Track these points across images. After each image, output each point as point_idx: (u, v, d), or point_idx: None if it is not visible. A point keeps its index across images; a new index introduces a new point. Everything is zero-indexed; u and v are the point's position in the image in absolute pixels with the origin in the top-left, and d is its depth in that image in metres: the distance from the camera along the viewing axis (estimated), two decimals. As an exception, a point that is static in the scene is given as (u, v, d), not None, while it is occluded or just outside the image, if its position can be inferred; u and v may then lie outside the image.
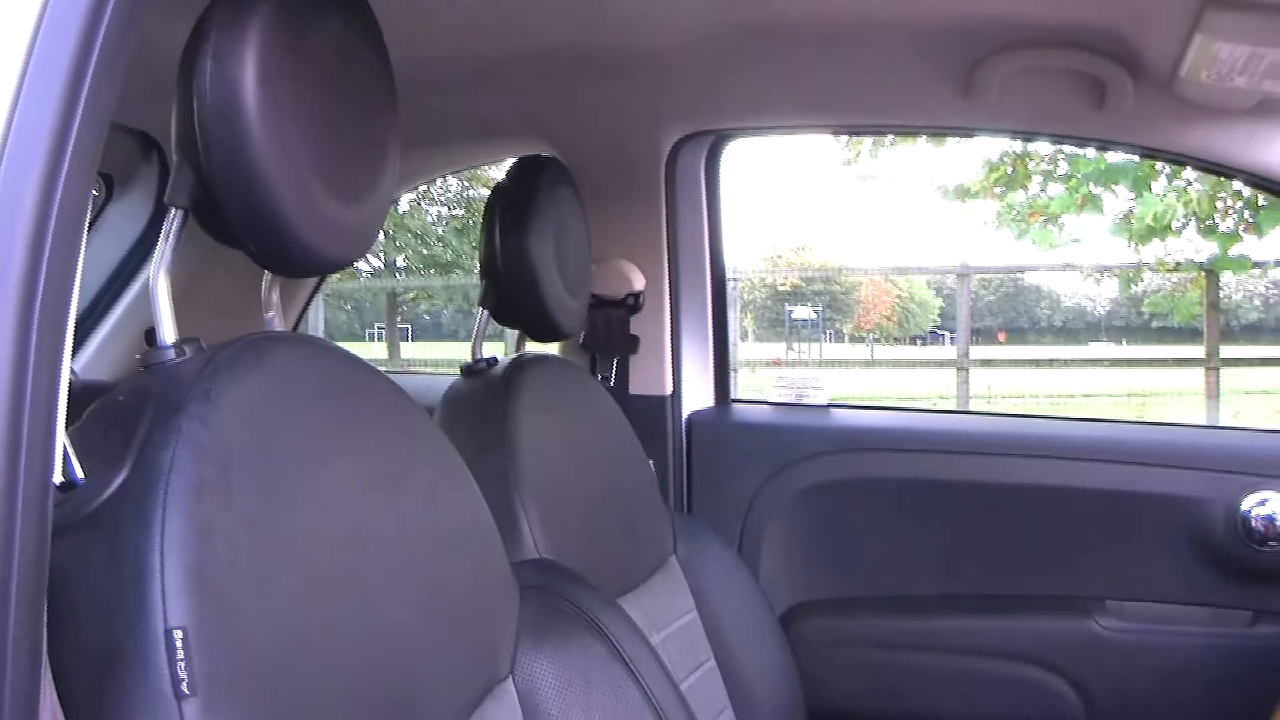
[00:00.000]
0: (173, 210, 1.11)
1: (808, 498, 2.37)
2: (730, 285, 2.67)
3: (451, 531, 1.26)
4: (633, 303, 2.38)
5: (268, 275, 1.27)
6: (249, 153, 1.06)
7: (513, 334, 2.06)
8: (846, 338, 23.09)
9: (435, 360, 13.78)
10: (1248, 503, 2.16)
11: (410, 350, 18.02)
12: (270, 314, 1.29)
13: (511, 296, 1.90)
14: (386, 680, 1.08)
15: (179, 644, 0.89)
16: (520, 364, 1.90)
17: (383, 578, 1.11)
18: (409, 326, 19.92)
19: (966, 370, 11.24)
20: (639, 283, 2.38)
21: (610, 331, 2.39)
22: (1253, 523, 2.15)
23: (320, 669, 1.00)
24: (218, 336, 1.10)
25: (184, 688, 0.88)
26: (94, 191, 2.47)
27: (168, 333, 1.08)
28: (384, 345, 16.86)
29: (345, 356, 1.21)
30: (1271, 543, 2.15)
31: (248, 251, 1.13)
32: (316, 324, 11.40)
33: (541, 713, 1.31)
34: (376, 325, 19.20)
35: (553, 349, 2.40)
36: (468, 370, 1.94)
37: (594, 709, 1.35)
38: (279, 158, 1.08)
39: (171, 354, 1.06)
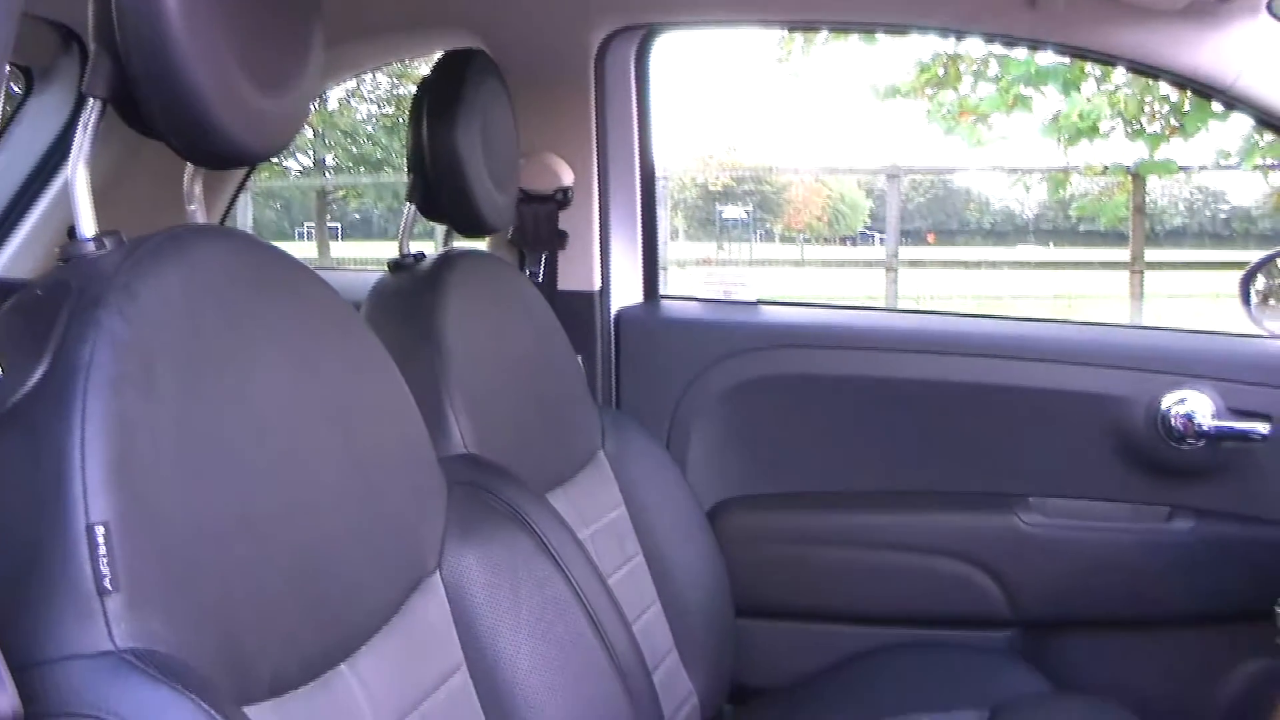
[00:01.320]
0: (91, 101, 1.08)
1: (736, 394, 2.38)
2: (661, 184, 2.66)
3: (378, 426, 1.25)
4: (561, 198, 2.37)
5: (190, 168, 1.25)
6: (168, 40, 1.04)
7: (443, 232, 2.04)
8: (777, 238, 23.09)
9: (365, 259, 13.67)
10: (1168, 401, 2.19)
11: (340, 249, 17.85)
12: (193, 207, 1.27)
13: (439, 191, 1.88)
14: (311, 574, 1.08)
15: (100, 540, 0.88)
16: (448, 259, 1.89)
17: (307, 472, 1.11)
18: (339, 225, 19.72)
19: (896, 271, 11.29)
20: (567, 178, 2.37)
21: (538, 227, 2.37)
22: (1172, 421, 2.19)
23: (244, 563, 1.00)
24: (141, 233, 1.08)
25: (106, 584, 0.87)
26: (14, 88, 2.42)
27: (87, 226, 1.06)
28: (314, 244, 16.71)
29: (269, 250, 1.19)
30: (1189, 440, 2.18)
31: (168, 143, 1.11)
32: (245, 222, 11.27)
33: (469, 605, 1.32)
34: (306, 224, 18.98)
35: (481, 245, 2.39)
36: (395, 266, 1.92)
37: (521, 602, 1.36)
38: (199, 45, 1.06)
39: (91, 247, 1.04)
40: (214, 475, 0.99)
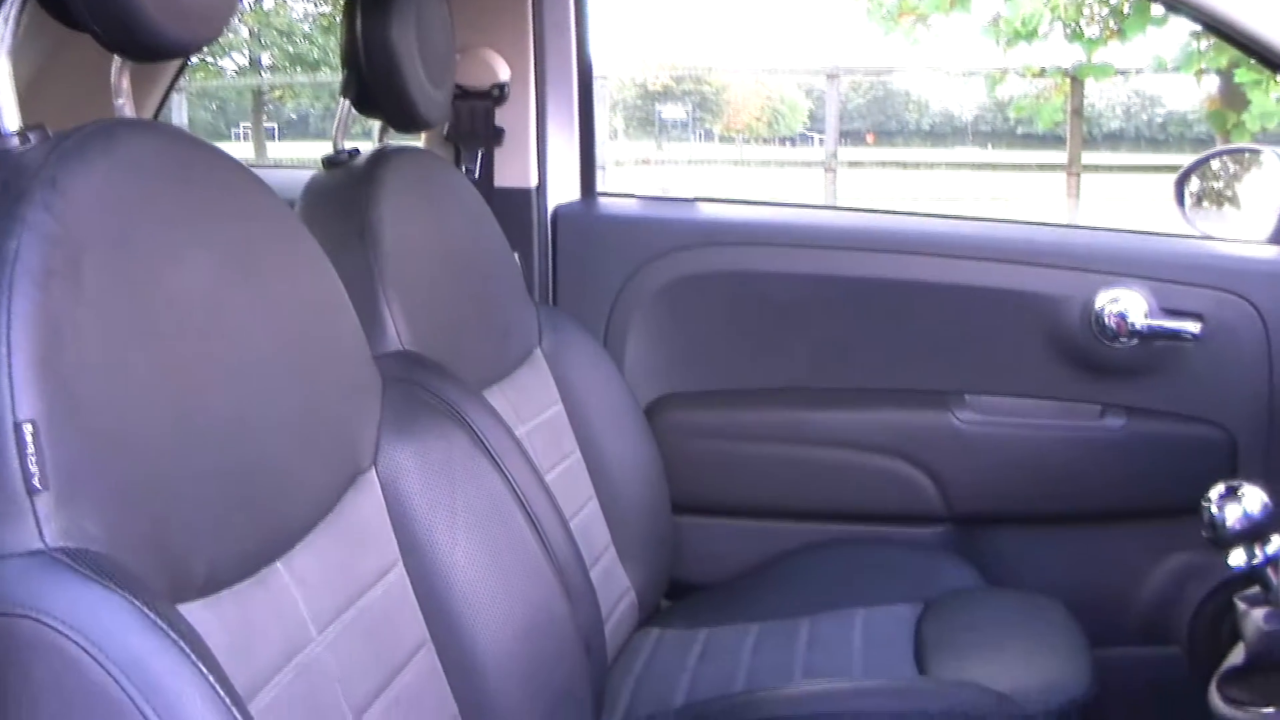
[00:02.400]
0: None
1: (673, 291, 2.38)
2: (600, 84, 2.63)
3: (311, 323, 1.24)
4: (498, 94, 2.34)
5: (117, 60, 1.22)
6: None
7: (379, 129, 2.01)
8: (716, 138, 23.00)
9: (303, 159, 13.53)
10: (1101, 300, 2.21)
11: (277, 149, 17.66)
12: (120, 101, 1.24)
13: (373, 86, 1.85)
14: (245, 470, 1.07)
15: (29, 438, 0.87)
16: (382, 156, 1.86)
17: (240, 368, 1.10)
18: (275, 125, 19.49)
19: (835, 171, 11.29)
20: (504, 73, 2.34)
21: (475, 123, 2.35)
22: (1106, 319, 2.20)
23: (176, 460, 0.99)
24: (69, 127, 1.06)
25: (35, 482, 0.86)
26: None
27: (10, 120, 1.03)
28: (250, 144, 16.51)
29: (200, 145, 1.17)
30: (1122, 339, 2.20)
31: (93, 34, 1.08)
32: (179, 123, 11.10)
33: (404, 502, 1.31)
34: (242, 124, 18.73)
35: (417, 141, 2.36)
36: (329, 162, 1.89)
37: (457, 498, 1.35)
38: None
39: (15, 141, 1.02)
40: (144, 371, 0.98)
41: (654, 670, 2.00)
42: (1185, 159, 2.42)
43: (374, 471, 1.31)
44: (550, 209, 2.42)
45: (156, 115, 2.44)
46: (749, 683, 1.89)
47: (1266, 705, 1.33)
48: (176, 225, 1.07)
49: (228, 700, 0.86)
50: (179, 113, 11.57)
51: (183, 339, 1.03)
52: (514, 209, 2.32)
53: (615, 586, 2.07)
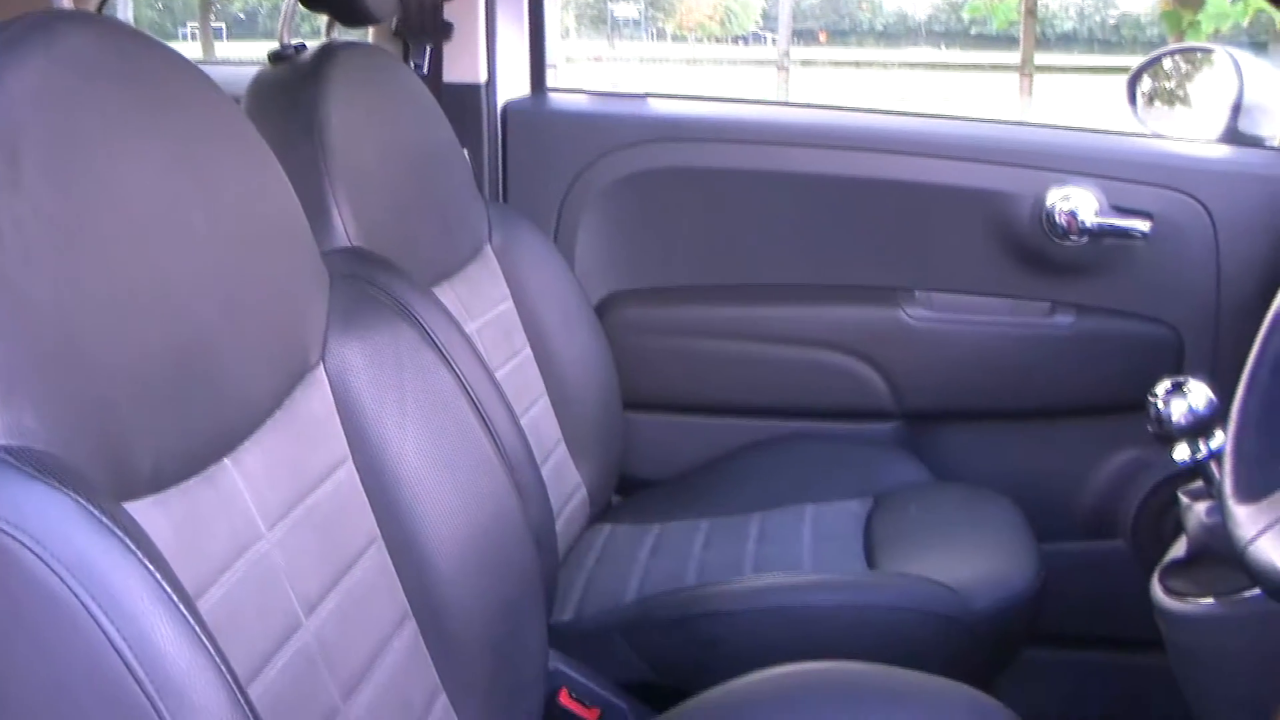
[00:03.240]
0: None
1: (624, 187, 2.36)
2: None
3: (257, 219, 1.22)
4: (446, -13, 2.30)
5: None
6: None
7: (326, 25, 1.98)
8: (669, 37, 22.81)
9: (253, 59, 13.33)
10: (1052, 197, 2.21)
11: (225, 49, 17.39)
12: None
13: None
14: (190, 367, 1.06)
15: None
16: (329, 51, 1.84)
17: (185, 265, 1.08)
18: (223, 25, 19.17)
19: (787, 70, 11.23)
20: (452, -34, 2.30)
21: (423, 17, 2.31)
22: (1056, 217, 2.21)
23: (119, 356, 0.97)
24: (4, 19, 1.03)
25: None
26: None
27: None
28: (197, 44, 16.25)
29: (142, 37, 1.14)
30: (1072, 237, 2.21)
31: None
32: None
33: (353, 398, 1.31)
34: (189, 24, 18.41)
35: (364, 37, 2.32)
36: (275, 57, 1.86)
37: (406, 394, 1.35)
38: None
39: None
40: (85, 266, 0.96)
41: (605, 566, 2.01)
42: (1138, 61, 2.42)
43: (322, 368, 1.29)
44: (500, 105, 2.39)
45: (100, 10, 2.40)
46: (700, 577, 1.91)
47: (1206, 596, 1.35)
48: (119, 120, 1.05)
49: (175, 597, 0.86)
50: (124, 12, 11.34)
51: (124, 233, 1.01)
52: (463, 105, 2.30)
53: (566, 483, 2.08)
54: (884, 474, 2.17)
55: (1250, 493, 1.10)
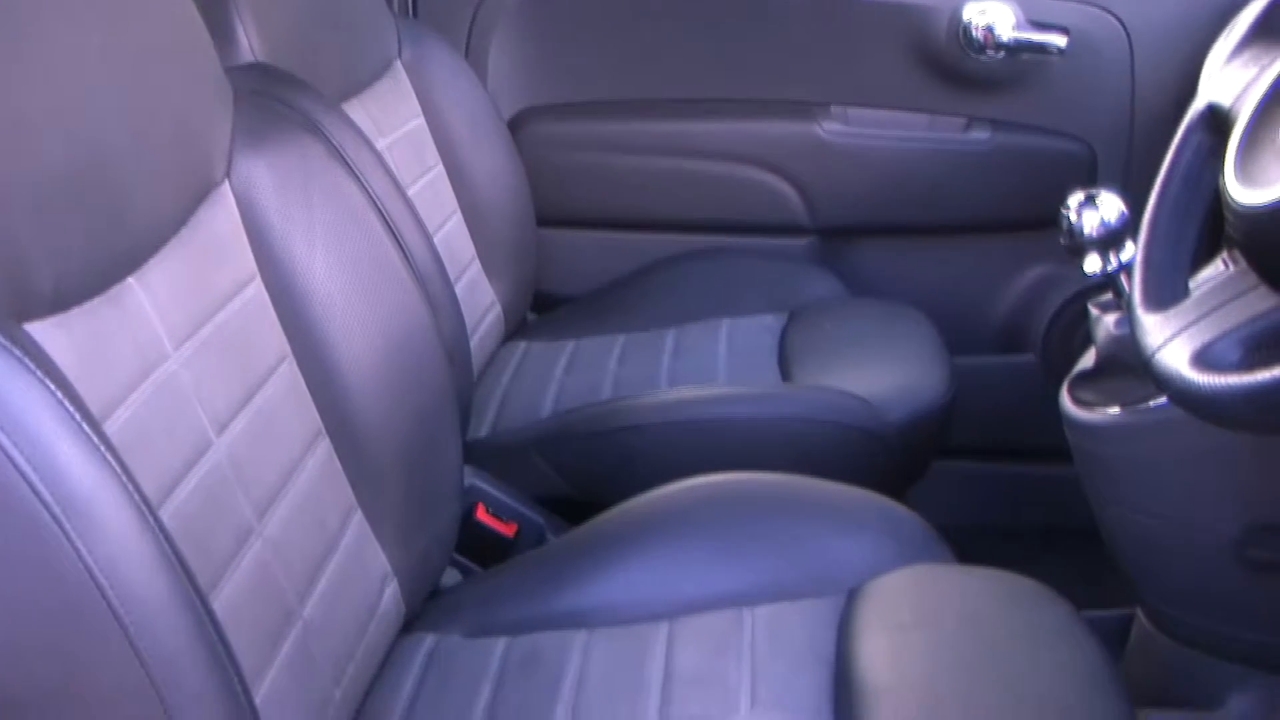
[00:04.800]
0: None
1: (535, 1, 2.31)
2: None
3: (156, 34, 1.18)
4: None
5: None
6: None
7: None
8: None
9: None
10: (969, 11, 2.19)
11: None
12: None
13: None
14: (90, 183, 1.03)
15: None
16: None
17: (81, 83, 1.04)
18: None
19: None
20: None
21: None
22: (973, 31, 2.19)
23: (16, 179, 0.94)
24: None
25: None
26: None
27: None
28: None
29: None
30: (989, 51, 2.19)
31: None
32: None
33: (260, 215, 1.28)
34: None
35: None
36: None
37: (314, 210, 1.32)
38: None
39: None
40: None
41: (521, 382, 2.01)
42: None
43: (227, 185, 1.26)
44: None
45: None
46: (615, 391, 1.92)
47: (1112, 406, 1.37)
48: None
49: (78, 417, 0.84)
50: None
51: (18, 53, 0.98)
52: None
53: (480, 300, 2.07)
54: (799, 289, 2.17)
55: (1158, 302, 1.11)
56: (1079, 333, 2.13)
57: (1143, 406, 1.33)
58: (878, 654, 1.22)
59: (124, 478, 0.85)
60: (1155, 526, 1.38)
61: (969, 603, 1.30)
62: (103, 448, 0.85)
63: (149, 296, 1.09)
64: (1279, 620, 1.35)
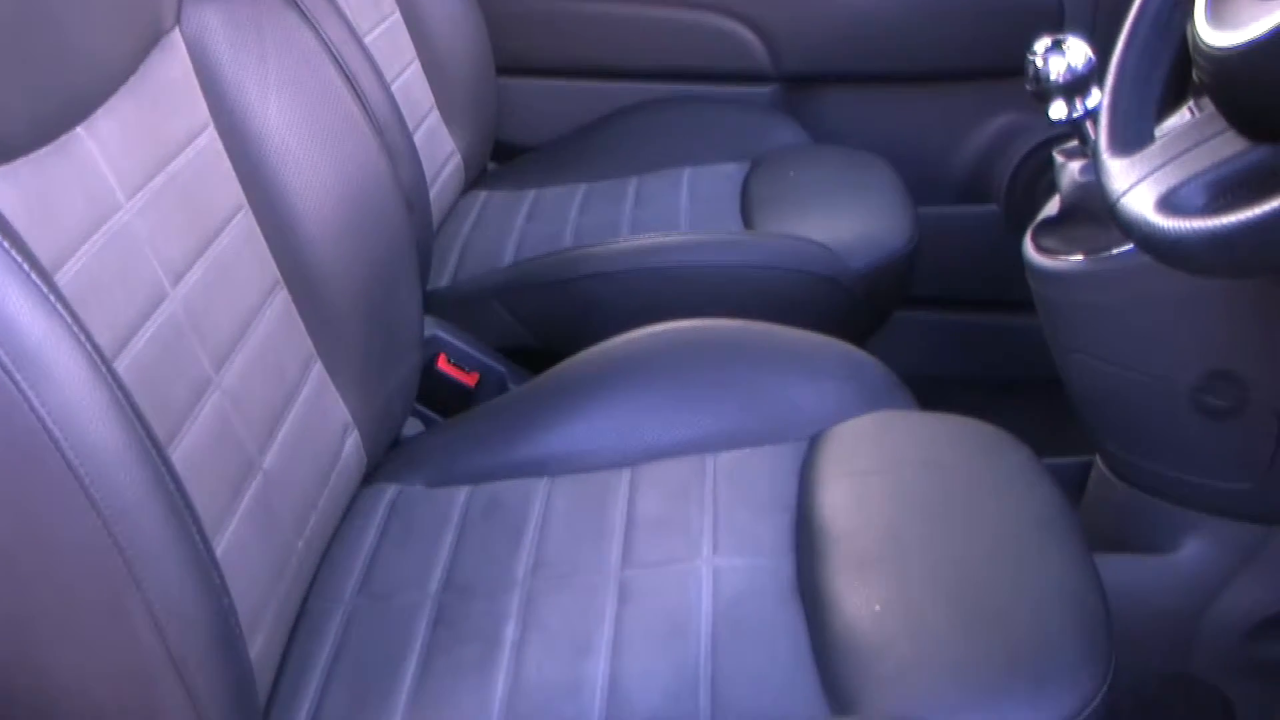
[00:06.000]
0: None
1: None
2: None
3: None
4: None
5: None
6: None
7: None
8: None
9: None
10: None
11: None
12: None
13: None
14: (34, 32, 1.00)
15: None
16: None
17: None
18: None
19: None
20: None
21: None
22: None
23: None
24: None
25: None
26: None
27: None
28: None
29: None
30: None
31: None
32: None
33: (212, 62, 1.25)
34: None
35: None
36: None
37: (268, 56, 1.29)
38: None
39: None
40: None
41: (481, 231, 2.00)
42: None
43: (178, 32, 1.23)
44: None
45: None
46: (576, 239, 1.91)
47: (1076, 253, 1.37)
48: None
49: (28, 268, 0.83)
50: None
51: None
52: None
53: (439, 149, 2.04)
54: (762, 137, 2.15)
55: (1124, 147, 1.10)
56: (1042, 182, 2.13)
57: (1105, 254, 1.33)
58: (839, 499, 1.23)
59: (75, 328, 0.84)
60: (1115, 374, 1.39)
61: (930, 448, 1.31)
62: (53, 298, 0.84)
63: (99, 146, 1.07)
64: (1233, 466, 1.36)
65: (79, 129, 1.05)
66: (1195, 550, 1.42)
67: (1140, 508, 1.46)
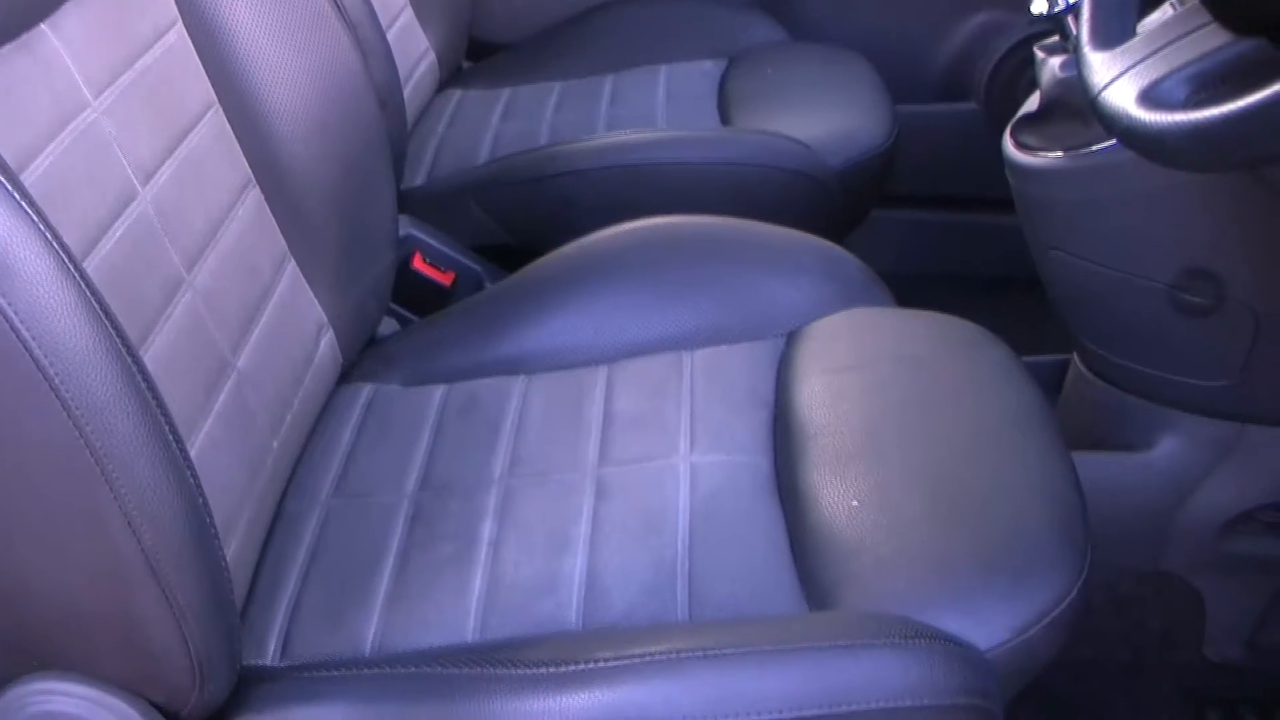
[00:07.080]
0: None
1: None
2: None
3: None
4: None
5: None
6: None
7: None
8: None
9: None
10: None
11: None
12: None
13: None
14: None
15: None
16: None
17: None
18: None
19: None
20: None
21: None
22: None
23: None
24: None
25: None
26: None
27: None
28: None
29: None
30: None
31: None
32: None
33: None
34: None
35: None
36: None
37: None
38: None
39: None
40: None
41: (456, 130, 1.98)
42: None
43: None
44: None
45: None
46: (552, 137, 1.89)
47: (1056, 150, 1.36)
48: None
49: None
50: None
51: None
52: None
53: (414, 48, 2.01)
54: (739, 34, 2.13)
55: (1106, 40, 1.09)
56: (1022, 80, 2.11)
57: (1085, 150, 1.32)
58: (816, 395, 1.23)
59: (43, 227, 0.83)
60: (1094, 271, 1.39)
61: (908, 344, 1.31)
62: (18, 196, 0.82)
63: (64, 43, 1.05)
64: (1210, 363, 1.37)
65: (43, 25, 1.03)
66: (1171, 447, 1.43)
67: (1117, 405, 1.46)
